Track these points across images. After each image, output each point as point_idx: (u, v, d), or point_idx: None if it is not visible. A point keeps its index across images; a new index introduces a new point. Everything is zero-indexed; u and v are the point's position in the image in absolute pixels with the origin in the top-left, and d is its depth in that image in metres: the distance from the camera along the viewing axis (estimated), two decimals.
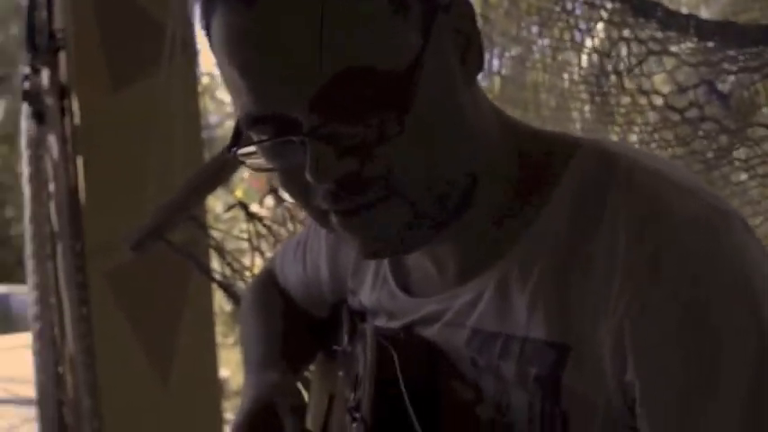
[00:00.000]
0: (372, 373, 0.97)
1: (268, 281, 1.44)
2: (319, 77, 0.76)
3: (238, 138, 0.87)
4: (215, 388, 3.92)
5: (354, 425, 0.99)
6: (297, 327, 1.36)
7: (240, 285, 2.56)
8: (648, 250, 0.78)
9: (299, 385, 1.29)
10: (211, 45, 0.84)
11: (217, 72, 0.86)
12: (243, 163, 0.86)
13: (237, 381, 5.97)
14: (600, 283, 0.80)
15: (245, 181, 5.97)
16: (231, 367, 6.05)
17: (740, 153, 1.67)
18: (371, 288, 1.11)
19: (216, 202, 6.05)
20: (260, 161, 0.85)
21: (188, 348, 3.63)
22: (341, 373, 1.18)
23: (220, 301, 7.05)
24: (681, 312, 0.76)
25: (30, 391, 3.44)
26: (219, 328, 5.52)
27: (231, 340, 6.52)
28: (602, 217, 0.83)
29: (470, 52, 0.87)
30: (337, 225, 0.85)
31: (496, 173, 0.91)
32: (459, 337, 0.95)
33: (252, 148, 0.85)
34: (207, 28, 0.84)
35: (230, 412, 4.66)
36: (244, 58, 0.79)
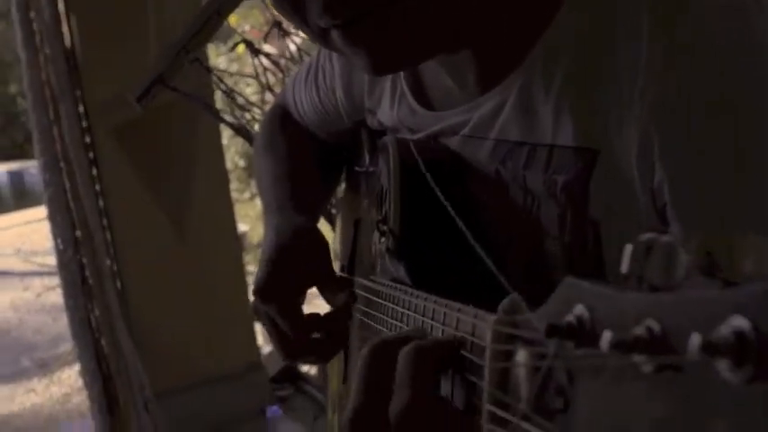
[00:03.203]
0: (397, 181, 0.93)
1: (280, 115, 1.41)
2: None
3: None
4: (234, 242, 3.92)
5: (383, 239, 0.96)
6: (312, 161, 1.33)
7: (250, 122, 2.51)
8: (674, 45, 0.71)
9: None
10: None
11: None
12: None
13: (257, 234, 6.04)
14: (624, 83, 0.74)
15: (247, 33, 5.88)
16: (249, 222, 6.09)
17: None
18: (390, 105, 1.06)
19: (218, 59, 5.97)
20: None
21: (203, 204, 3.63)
22: (365, 201, 1.14)
23: (234, 157, 7.09)
24: (710, 106, 0.70)
25: (53, 261, 3.45)
26: (234, 184, 5.53)
27: (247, 195, 6.56)
28: (626, 8, 0.75)
29: None
30: (339, 42, 0.80)
31: None
32: (481, 148, 0.90)
33: None
34: None
35: (252, 265, 4.71)
36: None
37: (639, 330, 0.35)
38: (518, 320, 0.49)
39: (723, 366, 0.31)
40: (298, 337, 1.09)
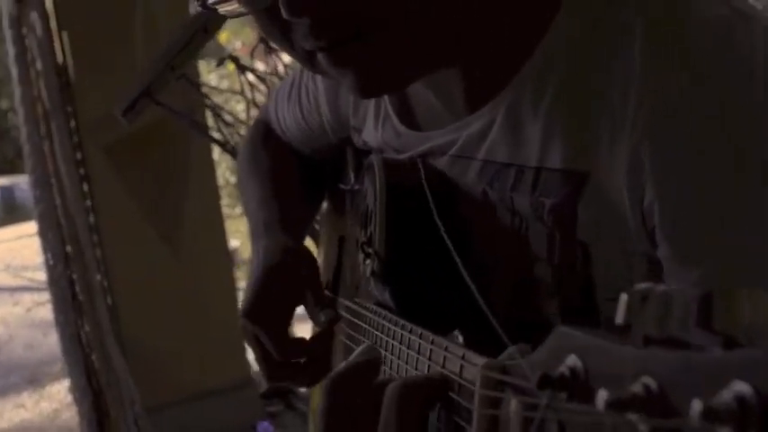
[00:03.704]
0: (383, 202, 0.91)
1: (262, 132, 1.39)
2: None
3: None
4: (225, 258, 3.91)
5: (367, 261, 0.94)
6: (296, 178, 1.31)
7: (238, 141, 2.50)
8: (666, 62, 0.70)
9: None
10: None
11: None
12: (215, 10, 0.80)
13: (248, 249, 5.98)
14: (616, 101, 0.73)
15: (236, 52, 5.90)
16: (240, 237, 6.06)
17: None
18: (374, 125, 1.05)
19: (210, 76, 5.96)
20: (234, 6, 0.78)
21: (195, 221, 3.62)
22: (350, 220, 1.13)
23: (224, 173, 7.07)
24: (702, 123, 0.68)
25: (43, 277, 3.43)
26: (225, 200, 5.51)
27: (238, 211, 6.53)
28: (617, 26, 0.74)
29: None
30: (326, 65, 0.78)
31: None
32: (468, 169, 0.88)
33: None
34: None
35: (243, 281, 4.69)
36: None
37: (636, 388, 0.33)
38: (508, 367, 0.47)
39: None
40: (283, 360, 1.07)
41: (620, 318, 0.37)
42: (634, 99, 0.71)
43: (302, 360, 1.10)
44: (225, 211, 4.01)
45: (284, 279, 1.09)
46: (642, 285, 0.37)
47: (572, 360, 0.39)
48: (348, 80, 0.79)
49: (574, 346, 0.39)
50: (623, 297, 0.37)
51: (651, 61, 0.71)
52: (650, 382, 0.33)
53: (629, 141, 0.71)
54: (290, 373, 1.10)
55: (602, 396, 0.34)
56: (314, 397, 1.34)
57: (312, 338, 1.11)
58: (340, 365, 0.71)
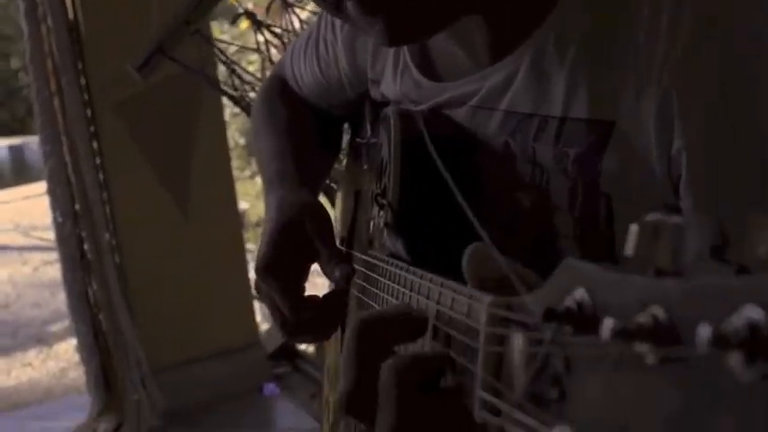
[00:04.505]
0: (398, 153, 0.90)
1: (278, 88, 1.37)
2: None
3: None
4: (235, 219, 3.90)
5: (381, 212, 0.93)
6: (312, 133, 1.30)
7: (252, 98, 2.48)
8: (695, 8, 0.69)
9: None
10: None
11: None
12: None
13: (256, 212, 6.03)
14: (643, 50, 0.71)
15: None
16: (249, 200, 6.06)
17: None
18: (393, 77, 1.04)
19: (222, 37, 5.92)
20: None
21: (204, 181, 3.61)
22: (366, 173, 1.12)
23: (234, 135, 7.07)
24: (730, 74, 0.67)
25: (52, 236, 3.43)
26: (235, 162, 5.50)
27: (247, 173, 6.53)
28: None
29: None
30: (354, 12, 0.77)
31: None
32: (490, 120, 0.87)
33: None
34: None
35: (251, 243, 4.69)
36: None
37: (644, 318, 0.32)
38: (513, 303, 0.46)
39: (734, 361, 0.28)
40: (298, 316, 1.06)
41: (629, 249, 0.36)
42: (664, 46, 0.70)
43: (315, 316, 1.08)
44: (234, 173, 3.99)
45: (298, 235, 1.06)
46: (654, 216, 0.36)
47: (580, 293, 0.38)
48: (377, 28, 0.78)
49: (582, 280, 0.38)
50: (633, 228, 0.36)
51: (683, 9, 0.70)
52: (659, 311, 0.32)
53: (657, 89, 0.70)
54: (305, 329, 1.08)
55: (607, 325, 0.33)
56: (328, 354, 1.33)
57: (326, 296, 1.09)
58: (372, 311, 0.69)
